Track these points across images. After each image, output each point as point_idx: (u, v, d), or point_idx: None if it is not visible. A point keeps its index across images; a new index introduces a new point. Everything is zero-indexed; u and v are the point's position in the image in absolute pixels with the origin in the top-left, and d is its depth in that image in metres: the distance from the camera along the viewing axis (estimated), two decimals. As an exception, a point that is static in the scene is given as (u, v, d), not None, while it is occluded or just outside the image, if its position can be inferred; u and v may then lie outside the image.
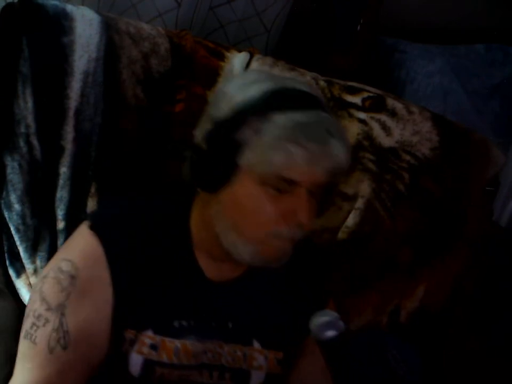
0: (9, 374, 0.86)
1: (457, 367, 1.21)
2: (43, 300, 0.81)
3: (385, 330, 1.21)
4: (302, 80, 1.13)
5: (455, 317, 1.25)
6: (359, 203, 1.17)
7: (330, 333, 0.73)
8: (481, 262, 1.29)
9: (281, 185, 0.80)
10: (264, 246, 0.82)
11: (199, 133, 0.84)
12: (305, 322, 0.81)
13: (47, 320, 0.80)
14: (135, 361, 0.83)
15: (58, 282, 0.81)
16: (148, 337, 0.83)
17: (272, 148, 0.78)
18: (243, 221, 0.81)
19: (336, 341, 0.73)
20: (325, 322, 0.74)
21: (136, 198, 0.94)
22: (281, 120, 0.78)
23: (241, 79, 0.87)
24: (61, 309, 0.80)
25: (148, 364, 0.83)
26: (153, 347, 0.83)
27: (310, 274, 0.97)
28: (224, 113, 0.81)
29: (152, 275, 0.84)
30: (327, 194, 0.86)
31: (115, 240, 0.84)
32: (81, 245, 0.84)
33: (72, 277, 0.81)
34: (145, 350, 0.83)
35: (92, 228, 0.84)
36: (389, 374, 1.11)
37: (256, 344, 0.90)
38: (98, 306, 0.81)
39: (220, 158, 0.81)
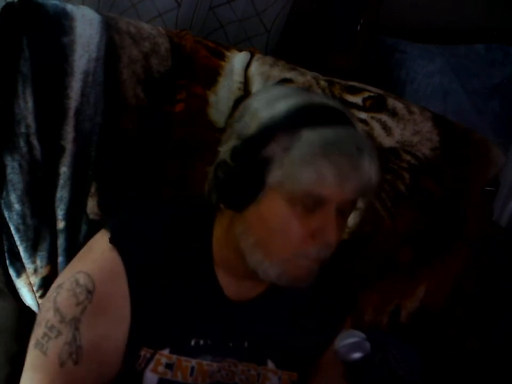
0: (9, 374, 0.86)
1: (457, 367, 1.21)
2: (57, 310, 0.79)
3: (385, 330, 1.21)
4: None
5: (455, 317, 1.25)
6: (359, 203, 1.16)
7: (357, 355, 0.72)
8: (481, 262, 1.29)
9: (310, 203, 0.78)
10: (291, 266, 0.80)
11: (225, 149, 0.82)
12: (323, 341, 0.80)
13: (59, 333, 0.78)
14: (150, 380, 0.82)
15: (74, 295, 0.79)
16: (164, 356, 0.82)
17: (301, 165, 0.76)
18: (270, 240, 0.79)
19: (362, 363, 0.72)
20: (351, 344, 0.73)
21: (157, 209, 0.92)
22: (310, 136, 0.77)
23: (268, 93, 0.84)
24: (75, 323, 0.78)
25: (163, 383, 0.82)
26: (169, 366, 0.82)
27: (328, 293, 0.95)
28: (251, 130, 0.80)
29: (171, 293, 0.83)
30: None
31: (135, 256, 0.82)
32: (100, 258, 0.82)
33: (89, 292, 0.79)
34: (161, 369, 0.82)
35: (112, 241, 0.82)
36: (389, 374, 1.11)
37: (271, 364, 0.89)
38: (114, 323, 0.80)
39: (247, 176, 0.79)
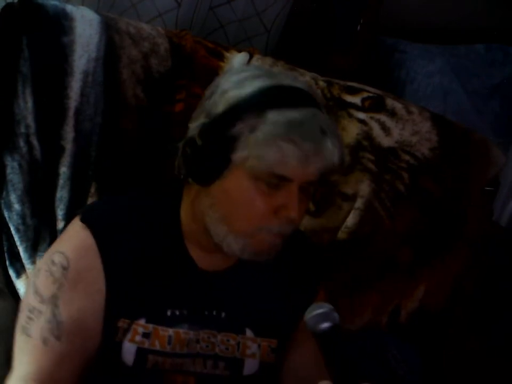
0: (10, 374, 0.86)
1: (457, 367, 1.21)
2: (36, 292, 0.82)
3: (385, 330, 1.21)
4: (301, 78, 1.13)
5: (455, 317, 1.25)
6: (359, 203, 1.17)
7: (325, 325, 0.74)
8: (481, 262, 1.29)
9: (273, 181, 0.80)
10: (254, 240, 0.82)
11: (194, 127, 0.85)
12: (297, 310, 0.81)
13: (40, 312, 0.80)
14: (128, 350, 0.83)
15: (50, 274, 0.82)
16: (141, 325, 0.84)
17: (265, 145, 0.78)
18: (234, 215, 0.82)
19: (330, 333, 0.74)
20: (319, 314, 0.75)
21: (127, 192, 0.95)
22: (275, 117, 0.79)
23: (237, 74, 0.86)
24: (53, 300, 0.80)
25: (141, 352, 0.84)
26: (146, 335, 0.84)
27: (301, 265, 0.97)
28: (220, 109, 0.82)
29: (144, 265, 0.85)
30: (321, 190, 0.86)
31: (106, 230, 0.84)
32: (73, 237, 0.85)
33: (64, 268, 0.82)
34: (138, 338, 0.83)
35: (83, 220, 0.85)
36: (389, 374, 1.11)
37: (249, 333, 0.91)
38: (90, 296, 0.82)
39: (213, 153, 0.81)
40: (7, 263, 1.00)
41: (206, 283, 0.89)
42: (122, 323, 0.83)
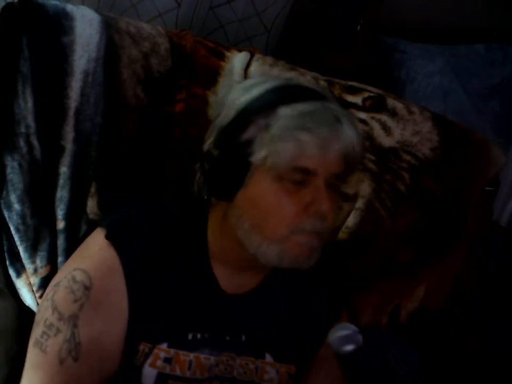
0: (9, 374, 0.86)
1: (457, 367, 1.21)
2: (55, 309, 0.80)
3: (385, 330, 1.21)
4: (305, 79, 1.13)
5: (455, 317, 1.25)
6: (359, 203, 1.16)
7: (349, 347, 0.73)
8: (481, 262, 1.29)
9: (297, 177, 0.79)
10: (290, 245, 0.80)
11: (208, 143, 0.83)
12: (319, 335, 0.80)
13: (58, 330, 0.78)
14: (149, 375, 0.82)
15: (71, 292, 0.80)
16: (163, 350, 0.82)
17: (281, 139, 0.77)
18: (264, 221, 0.80)
19: (355, 355, 0.73)
20: (344, 336, 0.74)
21: (152, 206, 0.92)
22: (286, 111, 0.78)
23: (242, 85, 0.87)
24: (73, 320, 0.78)
25: (162, 377, 0.82)
26: (168, 360, 0.82)
27: (323, 287, 0.95)
28: (230, 117, 0.81)
29: (168, 287, 0.83)
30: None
31: (131, 251, 0.82)
32: (97, 255, 0.82)
33: (86, 288, 0.80)
34: (159, 363, 0.82)
35: (108, 237, 0.83)
36: (389, 374, 1.11)
37: (268, 357, 0.89)
38: (112, 318, 0.80)
39: (231, 161, 0.80)
40: (7, 263, 1.00)
41: (229, 306, 0.87)
42: (143, 347, 0.81)
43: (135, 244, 0.83)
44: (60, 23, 0.99)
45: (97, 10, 1.06)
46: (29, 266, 1.00)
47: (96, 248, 0.83)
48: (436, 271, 1.22)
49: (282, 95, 0.80)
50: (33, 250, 1.00)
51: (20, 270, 1.00)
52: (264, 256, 0.81)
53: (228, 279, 0.87)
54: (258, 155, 0.78)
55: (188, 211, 0.90)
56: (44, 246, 1.00)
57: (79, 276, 0.80)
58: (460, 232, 1.23)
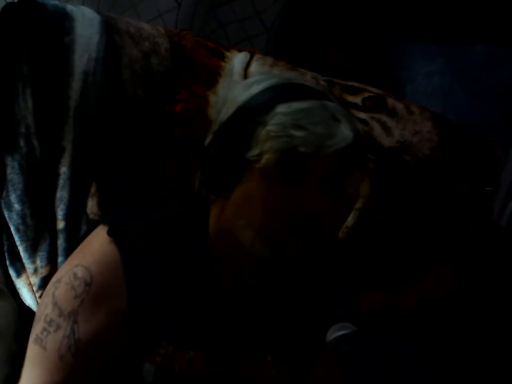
0: (9, 374, 0.86)
1: (457, 367, 1.21)
2: (55, 305, 0.80)
3: (385, 330, 1.21)
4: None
5: (455, 316, 1.25)
6: (359, 203, 1.16)
7: (347, 347, 0.73)
8: (481, 262, 1.29)
9: (292, 175, 0.79)
10: (284, 242, 0.80)
11: (208, 139, 0.84)
12: (320, 334, 0.80)
13: (58, 326, 0.79)
14: (148, 371, 0.82)
15: (72, 288, 0.80)
16: (162, 347, 0.82)
17: (276, 137, 0.77)
18: (258, 217, 0.80)
19: (352, 355, 0.73)
20: (342, 336, 0.74)
21: (154, 204, 0.93)
22: (284, 109, 0.78)
23: (243, 82, 0.87)
24: (73, 316, 0.79)
25: (161, 374, 0.82)
26: (167, 357, 0.82)
27: (331, 283, 0.96)
28: (229, 114, 0.82)
29: (168, 285, 0.83)
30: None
31: (133, 248, 0.83)
32: (98, 251, 0.83)
33: (87, 284, 0.80)
34: (158, 360, 0.82)
35: (110, 233, 0.83)
36: (389, 374, 1.11)
37: (270, 357, 0.89)
38: (112, 315, 0.80)
39: (228, 156, 0.80)
40: (7, 263, 1.00)
41: (230, 306, 0.87)
42: (143, 343, 0.81)
43: (137, 241, 0.84)
44: (60, 23, 0.99)
45: (97, 10, 1.06)
46: (29, 266, 1.00)
47: (98, 244, 0.84)
48: (436, 271, 1.22)
49: (281, 93, 0.81)
50: (33, 250, 1.00)
51: (20, 270, 1.00)
52: (259, 253, 0.81)
53: (228, 277, 0.87)
54: (254, 152, 0.79)
55: (189, 208, 0.91)
56: (44, 246, 1.00)
57: (80, 272, 0.81)
58: (460, 232, 1.23)
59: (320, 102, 0.80)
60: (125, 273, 0.81)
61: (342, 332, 0.74)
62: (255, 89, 0.82)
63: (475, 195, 1.23)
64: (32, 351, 0.80)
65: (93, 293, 0.80)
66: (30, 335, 0.81)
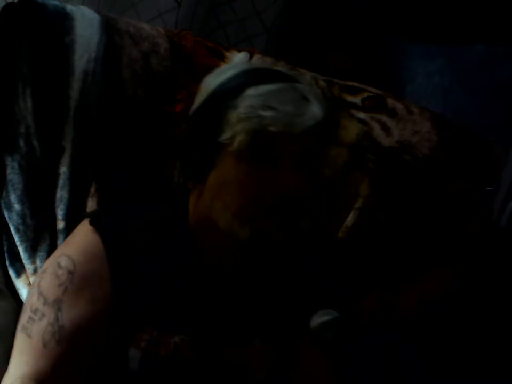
0: (9, 374, 0.86)
1: (457, 367, 1.21)
2: (40, 294, 0.81)
3: (385, 330, 1.21)
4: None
5: (455, 316, 1.25)
6: (359, 203, 1.16)
7: (330, 333, 0.73)
8: (481, 262, 1.29)
9: (264, 156, 0.79)
10: (260, 224, 0.81)
11: (183, 128, 0.86)
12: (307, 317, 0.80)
13: (43, 315, 0.80)
14: (133, 357, 0.83)
15: (56, 277, 0.81)
16: (147, 332, 0.83)
17: (247, 119, 0.78)
18: (233, 200, 0.81)
19: (336, 341, 0.73)
20: (325, 322, 0.74)
21: (136, 198, 0.95)
22: (253, 92, 0.79)
23: (216, 70, 0.89)
24: (57, 304, 0.80)
25: (146, 359, 0.83)
26: (152, 342, 0.83)
27: (327, 277, 0.96)
28: (201, 101, 0.83)
29: (151, 272, 0.84)
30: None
31: (115, 236, 0.84)
32: (81, 241, 0.84)
33: (70, 272, 0.81)
34: (143, 345, 0.83)
35: (93, 223, 0.84)
36: (390, 374, 1.11)
37: (258, 342, 0.90)
38: (95, 302, 0.81)
39: (201, 142, 0.82)
40: (7, 263, 1.00)
41: (215, 291, 0.88)
42: (127, 330, 0.82)
43: (119, 230, 0.85)
44: (59, 23, 0.99)
45: (97, 10, 1.06)
46: (28, 267, 1.00)
47: (81, 234, 0.85)
48: (436, 271, 1.22)
49: (251, 77, 0.82)
50: (33, 251, 1.00)
51: (20, 270, 1.00)
52: (237, 236, 0.82)
53: (213, 261, 0.88)
54: (226, 135, 0.80)
55: (169, 198, 0.92)
56: (43, 246, 1.00)
57: (63, 262, 0.82)
58: (459, 232, 1.23)
59: (290, 84, 0.81)
60: (108, 260, 0.82)
61: (324, 318, 0.74)
62: (225, 75, 0.84)
63: (475, 195, 1.23)
64: (18, 340, 0.81)
65: (77, 281, 0.81)
66: (17, 325, 0.82)
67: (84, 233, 0.85)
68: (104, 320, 0.81)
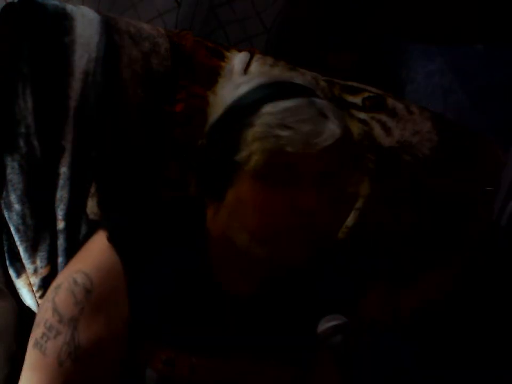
0: (9, 374, 0.86)
1: (457, 367, 1.21)
2: (55, 310, 0.80)
3: (385, 330, 1.21)
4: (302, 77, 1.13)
5: (455, 316, 1.25)
6: (359, 203, 1.16)
7: (338, 338, 0.72)
8: (481, 262, 1.29)
9: (282, 175, 0.78)
10: (278, 244, 0.79)
11: (200, 142, 0.84)
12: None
13: (58, 332, 0.78)
14: (150, 377, 0.82)
15: (72, 294, 0.80)
16: (164, 353, 0.82)
17: (263, 137, 0.77)
18: (251, 220, 0.79)
19: (343, 346, 0.72)
20: (333, 327, 0.73)
21: (153, 210, 0.92)
22: (270, 109, 0.78)
23: (232, 82, 0.87)
24: (73, 323, 0.78)
25: (163, 380, 0.82)
26: (169, 363, 0.82)
27: (332, 283, 0.95)
28: (218, 115, 0.82)
29: (169, 291, 0.83)
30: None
31: (134, 254, 0.82)
32: (98, 257, 0.82)
33: (87, 291, 0.80)
34: (161, 366, 0.82)
35: (110, 239, 0.83)
36: (390, 373, 1.11)
37: (271, 359, 0.89)
38: (112, 321, 0.80)
39: (217, 159, 0.80)
40: (7, 263, 1.00)
41: (232, 309, 0.87)
42: (144, 349, 0.81)
43: (137, 247, 0.83)
44: (59, 23, 0.99)
45: (97, 10, 1.06)
46: (29, 267, 1.00)
47: (98, 250, 0.83)
48: (436, 271, 1.22)
49: (267, 92, 0.80)
50: (33, 251, 1.00)
51: (20, 270, 1.00)
52: (254, 255, 0.81)
53: (229, 281, 0.87)
54: (243, 154, 0.78)
55: (187, 213, 0.90)
56: (43, 246, 1.00)
57: (80, 279, 0.80)
58: (460, 232, 1.23)
59: (308, 99, 0.80)
60: (126, 279, 0.81)
61: (332, 323, 0.73)
62: (242, 89, 0.82)
63: (475, 195, 1.23)
64: (31, 355, 0.79)
65: (94, 300, 0.79)
66: (30, 339, 0.81)
67: (100, 248, 0.83)
68: (121, 340, 0.80)
